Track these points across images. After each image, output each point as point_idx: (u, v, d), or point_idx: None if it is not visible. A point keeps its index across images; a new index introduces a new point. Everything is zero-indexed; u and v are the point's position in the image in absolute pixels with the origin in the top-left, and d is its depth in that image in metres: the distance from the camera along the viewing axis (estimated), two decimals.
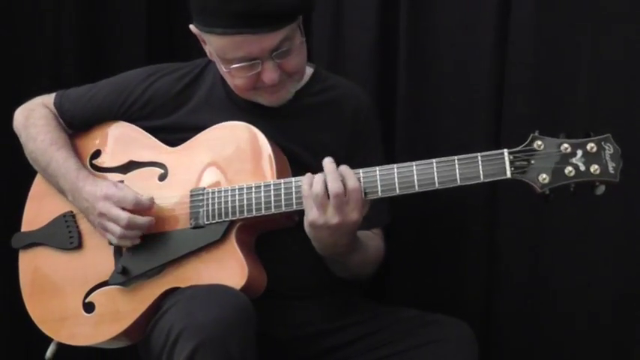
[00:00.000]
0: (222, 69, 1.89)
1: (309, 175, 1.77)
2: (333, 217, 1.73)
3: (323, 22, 2.29)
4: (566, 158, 1.69)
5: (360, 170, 1.76)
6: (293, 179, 1.81)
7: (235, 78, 1.87)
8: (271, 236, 1.89)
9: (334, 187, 1.72)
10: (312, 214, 1.75)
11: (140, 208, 1.86)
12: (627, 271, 2.08)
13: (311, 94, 1.99)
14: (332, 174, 1.73)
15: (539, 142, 1.71)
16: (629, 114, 2.02)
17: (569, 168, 1.68)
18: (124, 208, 1.86)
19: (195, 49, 2.08)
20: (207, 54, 1.94)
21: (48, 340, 1.99)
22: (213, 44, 1.86)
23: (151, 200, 1.88)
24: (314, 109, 1.99)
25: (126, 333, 1.88)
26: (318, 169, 1.83)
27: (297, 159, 1.92)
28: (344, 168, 1.75)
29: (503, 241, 2.18)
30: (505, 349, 2.20)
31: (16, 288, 2.02)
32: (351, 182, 1.73)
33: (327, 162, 1.75)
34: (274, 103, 1.92)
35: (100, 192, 1.88)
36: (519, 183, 1.70)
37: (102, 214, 1.88)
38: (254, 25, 1.78)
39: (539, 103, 2.10)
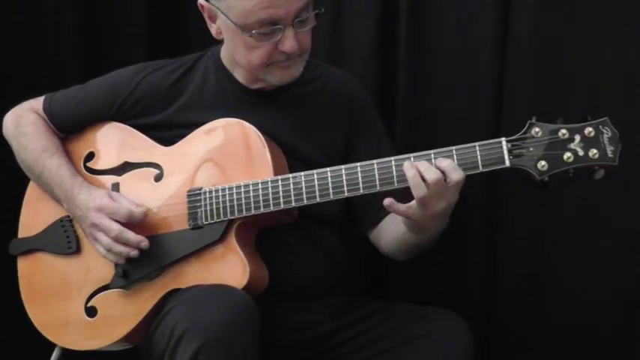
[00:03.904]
0: (239, 41, 1.83)
1: (410, 163, 1.71)
2: (453, 197, 1.72)
3: (322, 21, 2.24)
4: (564, 144, 1.68)
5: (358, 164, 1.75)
6: (290, 176, 1.79)
7: (252, 51, 1.83)
8: (271, 235, 1.88)
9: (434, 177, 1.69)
10: (439, 205, 1.71)
11: (133, 221, 1.85)
12: (628, 268, 2.08)
13: (303, 83, 1.95)
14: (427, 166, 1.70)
15: (537, 129, 1.70)
16: (629, 114, 2.01)
17: (568, 154, 1.67)
18: (116, 220, 1.85)
19: (195, 49, 2.07)
20: (215, 33, 1.90)
21: (50, 345, 1.99)
22: (235, 9, 1.79)
23: (144, 213, 1.86)
24: (308, 98, 1.96)
25: (128, 336, 1.88)
26: (315, 159, 1.84)
27: (293, 150, 1.90)
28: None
29: (502, 237, 2.18)
30: (505, 345, 2.20)
31: (16, 292, 2.01)
32: (456, 175, 1.69)
33: (408, 166, 1.71)
34: (285, 79, 1.88)
35: (93, 203, 1.87)
36: (518, 172, 1.69)
37: (94, 225, 1.87)
38: None
39: (540, 103, 2.08)
